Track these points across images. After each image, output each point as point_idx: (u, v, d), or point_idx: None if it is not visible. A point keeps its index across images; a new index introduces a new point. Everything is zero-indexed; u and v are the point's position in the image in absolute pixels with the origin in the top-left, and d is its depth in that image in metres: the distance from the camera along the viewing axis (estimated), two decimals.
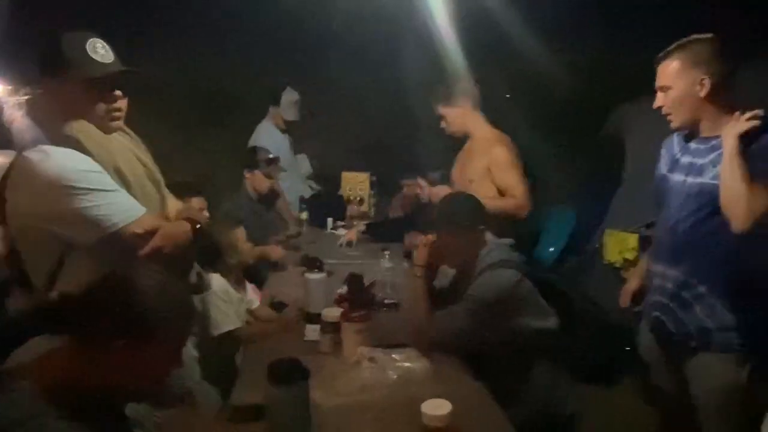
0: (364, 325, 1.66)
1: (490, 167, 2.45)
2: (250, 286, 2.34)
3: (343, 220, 4.04)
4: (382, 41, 4.11)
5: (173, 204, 1.49)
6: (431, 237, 1.92)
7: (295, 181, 4.10)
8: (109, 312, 0.83)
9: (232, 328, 1.93)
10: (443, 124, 2.68)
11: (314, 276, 2.00)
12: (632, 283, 2.01)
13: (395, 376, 1.49)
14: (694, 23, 1.75)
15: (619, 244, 3.17)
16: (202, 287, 1.64)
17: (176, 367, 0.96)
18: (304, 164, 4.49)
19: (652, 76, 1.80)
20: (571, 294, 1.84)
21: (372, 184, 4.35)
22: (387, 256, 2.54)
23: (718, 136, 1.61)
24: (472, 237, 1.86)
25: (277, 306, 2.22)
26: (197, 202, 2.42)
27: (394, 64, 4.32)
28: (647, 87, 1.88)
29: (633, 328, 1.93)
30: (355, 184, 4.35)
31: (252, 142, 3.77)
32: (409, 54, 4.19)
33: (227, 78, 4.51)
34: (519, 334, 1.70)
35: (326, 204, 4.19)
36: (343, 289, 2.12)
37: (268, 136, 3.80)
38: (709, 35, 1.67)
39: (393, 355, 1.57)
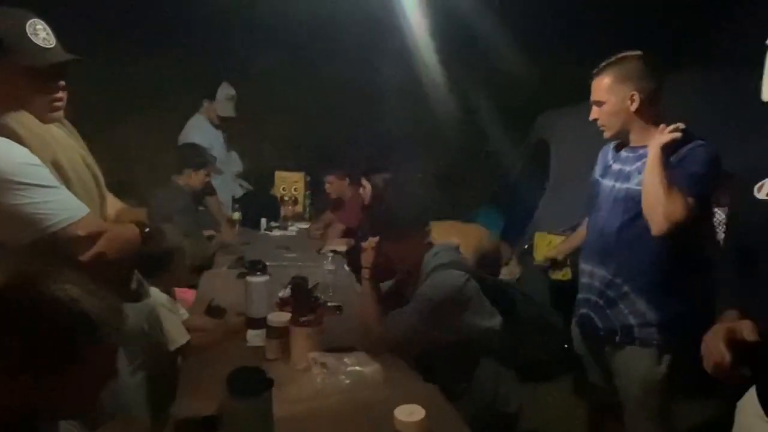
0: (315, 330, 1.62)
1: None
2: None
3: (277, 220, 3.95)
4: (322, 39, 4.05)
5: (113, 204, 1.38)
6: (376, 239, 1.92)
7: (227, 179, 3.96)
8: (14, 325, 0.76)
9: (186, 340, 1.79)
10: None
11: (257, 279, 1.92)
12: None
13: (348, 381, 1.47)
14: (630, 40, 1.86)
15: (547, 246, 3.30)
16: (141, 296, 1.52)
17: (106, 383, 0.89)
18: (236, 161, 4.33)
19: (577, 86, 1.91)
20: (517, 295, 1.90)
21: (307, 185, 4.29)
22: (330, 258, 2.51)
23: (645, 146, 1.73)
24: (418, 238, 1.88)
25: (215, 311, 2.12)
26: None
27: (334, 62, 4.28)
28: (572, 96, 1.99)
29: (568, 326, 2.04)
30: (290, 183, 4.26)
31: (184, 137, 3.59)
32: (349, 53, 4.17)
33: (155, 70, 4.25)
34: (466, 333, 1.74)
35: (258, 204, 4.09)
36: (285, 293, 2.07)
37: (202, 132, 3.64)
38: (637, 53, 1.78)
39: (344, 360, 1.55)
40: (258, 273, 1.99)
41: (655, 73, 1.76)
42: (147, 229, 1.27)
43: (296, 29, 4.11)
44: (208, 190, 3.30)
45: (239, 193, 4.10)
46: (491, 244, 3.41)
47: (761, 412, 1.15)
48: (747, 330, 1.11)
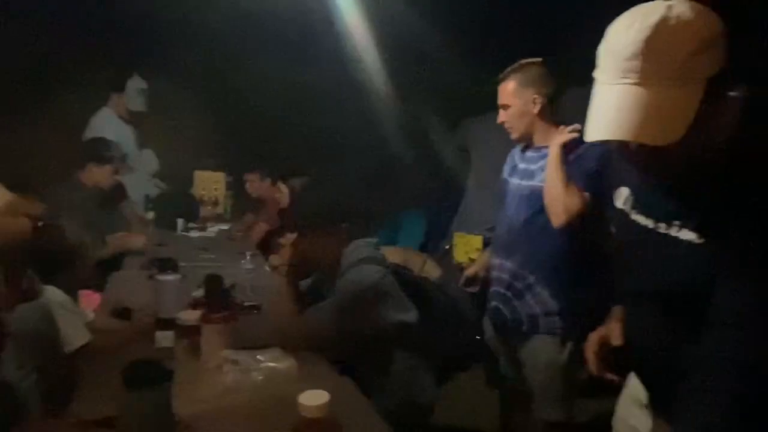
0: (226, 327, 1.59)
1: None
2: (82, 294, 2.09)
3: (195, 221, 3.82)
4: (248, 34, 3.94)
5: (1, 195, 1.28)
6: (293, 235, 1.91)
7: (140, 177, 3.78)
8: None
9: (86, 341, 1.65)
10: None
11: (167, 277, 1.86)
12: (471, 269, 2.23)
13: (260, 378, 1.45)
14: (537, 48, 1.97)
15: (465, 246, 3.41)
16: (33, 294, 1.41)
17: None
18: (151, 160, 4.14)
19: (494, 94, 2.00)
20: (432, 289, 1.95)
21: (228, 185, 4.18)
22: (248, 257, 2.47)
23: (547, 146, 1.85)
24: (335, 235, 1.89)
25: (122, 313, 2.02)
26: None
27: (261, 58, 4.18)
28: (492, 104, 2.09)
29: (480, 319, 2.12)
30: (210, 183, 4.14)
31: (90, 132, 3.38)
32: (277, 50, 4.09)
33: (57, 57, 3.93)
34: (383, 327, 1.76)
35: (177, 204, 3.93)
36: (199, 292, 2.01)
37: (110, 126, 3.45)
38: (537, 60, 1.91)
39: (258, 357, 1.52)
40: (168, 272, 1.92)
41: (554, 78, 1.89)
42: (40, 223, 1.18)
43: (220, 22, 3.97)
44: (118, 188, 3.13)
45: (154, 192, 3.92)
46: (394, 255, 3.42)
47: (640, 398, 1.21)
48: (615, 335, 1.20)
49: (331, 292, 1.78)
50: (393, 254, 3.32)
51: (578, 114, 1.87)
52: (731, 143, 0.90)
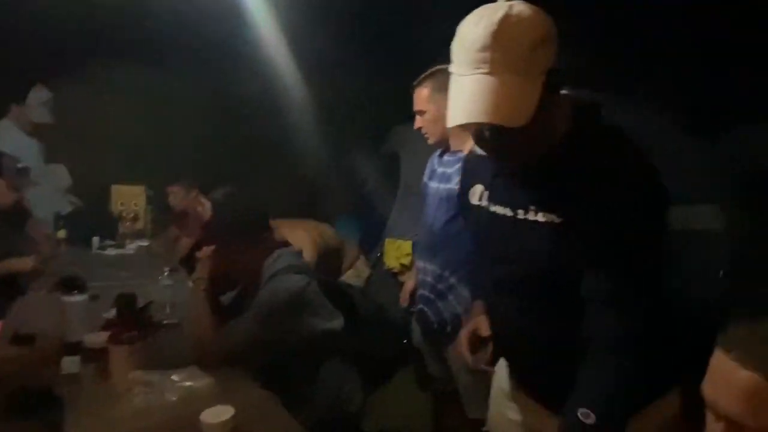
0: (137, 348, 1.50)
1: None
2: None
3: (113, 238, 3.62)
4: (167, 38, 3.77)
5: None
6: (210, 248, 1.83)
7: (48, 194, 3.53)
8: None
9: None
10: None
11: (73, 298, 1.74)
12: (408, 284, 2.23)
13: (174, 398, 1.38)
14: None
15: (396, 251, 3.44)
16: None
17: None
18: (62, 175, 3.89)
19: None
20: (355, 295, 1.94)
21: (149, 199, 3.99)
22: (166, 273, 2.35)
23: (462, 150, 1.89)
24: (255, 246, 1.83)
25: (24, 339, 1.86)
26: None
27: (182, 64, 4.01)
28: None
29: (408, 322, 2.13)
30: (129, 198, 3.93)
31: None
32: (199, 54, 3.94)
33: None
34: (308, 336, 1.72)
35: (91, 221, 3.71)
36: (111, 313, 1.89)
37: (10, 139, 3.20)
38: (447, 66, 1.95)
39: (172, 377, 1.45)
40: (74, 292, 1.80)
41: None
42: None
43: (138, 29, 3.78)
44: (22, 206, 2.90)
45: (66, 209, 3.68)
46: (333, 240, 3.44)
47: (504, 386, 1.30)
48: (483, 328, 1.28)
49: (252, 303, 1.72)
50: (331, 239, 3.29)
51: None
52: (571, 133, 1.03)
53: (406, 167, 4.49)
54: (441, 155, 2.02)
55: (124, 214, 3.89)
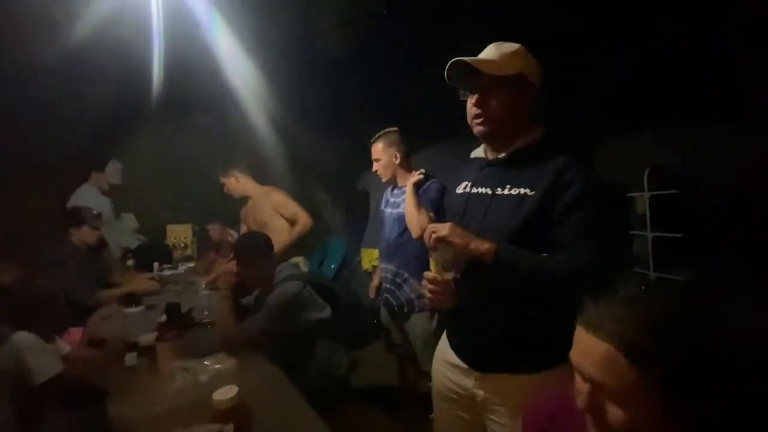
0: (177, 343, 1.40)
1: (275, 208, 2.40)
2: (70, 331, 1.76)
3: (169, 263, 3.46)
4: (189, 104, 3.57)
5: None
6: (230, 265, 1.74)
7: (121, 235, 3.37)
8: None
9: (55, 373, 1.38)
10: (225, 190, 2.55)
11: (132, 310, 1.63)
12: (374, 282, 2.18)
13: (206, 378, 1.28)
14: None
15: (369, 257, 3.39)
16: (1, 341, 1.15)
17: None
18: (131, 220, 3.73)
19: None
20: (339, 291, 1.87)
21: (195, 233, 3.84)
22: (204, 285, 2.23)
23: (405, 186, 1.87)
24: (266, 264, 1.75)
25: (97, 343, 1.72)
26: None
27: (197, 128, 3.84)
28: None
29: (378, 307, 2.07)
30: (179, 233, 3.78)
31: (72, 202, 2.97)
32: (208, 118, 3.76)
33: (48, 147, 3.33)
34: (305, 325, 1.65)
35: (153, 251, 3.54)
36: (163, 318, 1.78)
37: (90, 197, 3.05)
38: (395, 128, 1.94)
39: (205, 362, 1.35)
40: (132, 305, 1.68)
41: (407, 141, 1.92)
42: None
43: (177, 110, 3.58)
44: (103, 242, 2.74)
45: (135, 245, 3.51)
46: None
47: (444, 349, 1.17)
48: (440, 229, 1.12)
49: (263, 305, 1.63)
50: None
51: (424, 164, 1.94)
52: (536, 144, 1.04)
53: (373, 199, 4.48)
54: (392, 190, 1.99)
55: (176, 245, 3.73)
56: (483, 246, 0.94)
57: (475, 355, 1.08)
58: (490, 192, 1.05)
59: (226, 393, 0.76)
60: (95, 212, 2.59)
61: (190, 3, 2.45)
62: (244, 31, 2.94)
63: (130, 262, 3.12)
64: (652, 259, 4.05)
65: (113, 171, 3.26)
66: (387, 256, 1.90)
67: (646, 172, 4.12)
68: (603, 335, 0.59)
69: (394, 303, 1.87)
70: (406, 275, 1.82)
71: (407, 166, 1.91)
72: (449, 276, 1.02)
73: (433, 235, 0.98)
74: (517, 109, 1.03)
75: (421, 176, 1.77)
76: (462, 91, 1.06)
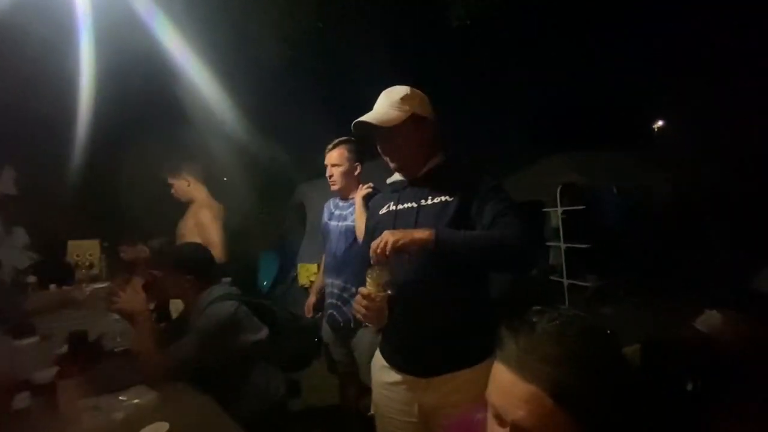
0: (85, 377, 1.20)
1: (196, 226, 2.23)
2: None
3: (70, 284, 2.99)
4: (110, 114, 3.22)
5: None
6: (140, 282, 1.56)
7: (10, 253, 2.85)
8: None
9: None
10: (173, 192, 2.33)
11: (23, 342, 1.37)
12: (311, 299, 2.12)
13: (121, 416, 1.12)
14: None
15: (306, 272, 3.30)
16: None
17: None
18: (21, 235, 3.17)
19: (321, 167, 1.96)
20: (276, 309, 1.78)
21: (103, 249, 3.38)
22: None
23: (353, 198, 1.86)
24: (184, 282, 1.60)
25: None
26: None
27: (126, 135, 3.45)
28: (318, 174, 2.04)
29: (318, 325, 2.01)
30: (84, 250, 3.30)
31: None
32: (140, 125, 3.44)
33: None
34: (240, 349, 1.53)
35: (51, 271, 3.04)
36: (63, 349, 1.52)
37: None
38: (354, 139, 1.93)
39: (120, 397, 1.18)
40: (24, 335, 1.42)
41: (363, 153, 1.92)
42: None
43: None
44: None
45: (25, 264, 2.98)
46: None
47: (382, 361, 1.21)
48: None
49: (192, 328, 1.48)
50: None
51: (366, 178, 1.96)
52: (442, 164, 1.20)
53: (310, 212, 4.38)
54: (337, 202, 1.96)
55: (80, 263, 3.25)
56: (424, 233, 1.01)
57: (420, 363, 1.11)
58: (415, 205, 1.16)
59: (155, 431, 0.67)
60: None
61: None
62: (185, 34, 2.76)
63: (31, 278, 2.65)
64: (565, 267, 4.52)
65: (6, 180, 2.78)
66: (334, 270, 1.85)
67: (559, 189, 4.64)
68: (527, 376, 0.54)
69: (341, 319, 1.83)
70: (354, 290, 1.79)
71: (359, 178, 1.90)
72: (384, 294, 1.05)
73: (382, 246, 1.02)
74: (419, 142, 1.17)
75: (370, 189, 1.77)
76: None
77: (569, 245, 4.53)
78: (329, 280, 1.89)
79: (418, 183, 1.20)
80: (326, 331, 1.96)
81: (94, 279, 3.16)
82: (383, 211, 1.25)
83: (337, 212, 1.94)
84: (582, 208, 4.46)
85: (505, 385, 0.55)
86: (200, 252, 1.66)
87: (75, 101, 2.86)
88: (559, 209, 4.66)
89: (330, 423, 2.09)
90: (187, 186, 2.32)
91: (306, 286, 3.22)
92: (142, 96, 2.94)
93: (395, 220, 1.18)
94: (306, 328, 1.87)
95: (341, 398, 2.07)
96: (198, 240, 2.12)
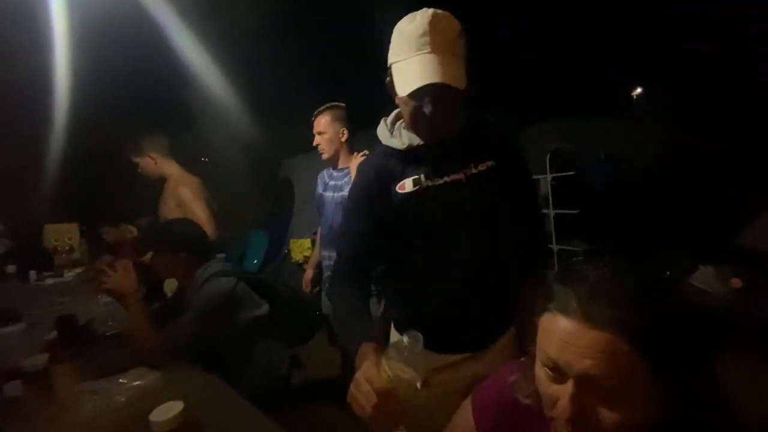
0: (78, 362, 1.14)
1: (179, 205, 2.12)
2: None
3: (51, 270, 2.86)
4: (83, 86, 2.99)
5: None
6: (125, 262, 1.47)
7: None
8: None
9: None
10: (140, 171, 2.20)
11: (9, 329, 1.29)
12: (308, 273, 2.07)
13: (123, 399, 1.07)
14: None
15: (299, 248, 3.24)
16: None
17: None
18: None
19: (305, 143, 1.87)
20: (276, 284, 1.73)
21: (82, 233, 3.23)
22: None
23: (347, 167, 1.79)
24: (177, 260, 1.52)
25: None
26: None
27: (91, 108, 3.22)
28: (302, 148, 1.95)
29: (317, 298, 1.98)
30: (62, 234, 3.14)
31: None
32: (109, 101, 3.21)
33: None
34: (240, 326, 1.49)
35: (28, 258, 2.89)
36: (51, 335, 1.45)
37: None
38: (343, 104, 1.85)
39: (120, 380, 1.13)
40: (9, 323, 1.34)
41: (355, 119, 1.84)
42: None
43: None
44: None
45: (0, 251, 2.83)
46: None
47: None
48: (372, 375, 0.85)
49: (190, 306, 1.42)
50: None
51: (365, 147, 1.88)
52: (468, 122, 1.01)
53: (299, 188, 4.28)
54: (331, 172, 1.89)
55: (59, 248, 3.10)
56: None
57: (480, 336, 1.02)
58: (461, 176, 0.95)
59: (166, 412, 0.63)
60: None
61: None
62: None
63: (10, 268, 2.51)
64: (555, 233, 4.60)
65: None
66: (330, 242, 1.80)
67: (548, 156, 4.65)
68: (595, 322, 0.50)
69: None
70: None
71: (350, 146, 1.82)
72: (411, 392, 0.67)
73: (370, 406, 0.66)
74: (460, 100, 0.94)
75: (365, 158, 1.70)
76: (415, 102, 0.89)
77: (558, 211, 4.59)
78: (326, 253, 1.85)
79: (445, 147, 0.96)
80: (326, 303, 1.93)
81: (76, 264, 3.04)
82: (408, 189, 0.96)
83: (331, 182, 1.88)
84: (571, 174, 4.49)
85: (568, 336, 0.51)
86: (192, 228, 1.58)
87: (46, 77, 2.62)
88: (549, 176, 4.68)
89: (336, 393, 2.10)
90: (154, 164, 2.18)
91: (300, 261, 3.17)
92: (119, 64, 2.72)
93: (435, 201, 0.94)
94: (306, 302, 1.83)
95: (344, 370, 2.07)
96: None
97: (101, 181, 2.92)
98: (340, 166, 1.85)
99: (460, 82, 0.85)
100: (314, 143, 1.82)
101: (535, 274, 0.96)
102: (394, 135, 1.01)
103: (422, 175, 0.96)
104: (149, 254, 1.56)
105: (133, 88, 2.95)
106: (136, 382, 1.14)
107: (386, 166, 1.00)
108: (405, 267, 1.03)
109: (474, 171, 0.97)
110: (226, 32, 2.85)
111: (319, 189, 1.93)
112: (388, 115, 1.05)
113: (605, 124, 5.04)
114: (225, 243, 2.23)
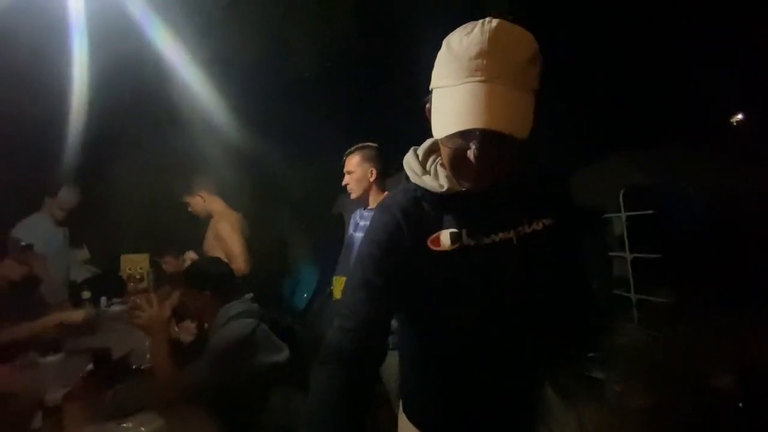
0: (91, 401, 1.16)
1: (216, 240, 2.21)
2: None
3: (120, 297, 3.15)
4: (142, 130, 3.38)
5: None
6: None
7: (70, 266, 3.08)
8: None
9: None
10: (190, 210, 2.37)
11: (49, 359, 1.37)
12: None
13: None
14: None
15: (340, 285, 3.18)
16: None
17: None
18: (82, 251, 3.44)
19: None
20: (298, 329, 1.67)
21: (151, 262, 3.55)
22: None
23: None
24: (213, 294, 1.54)
25: (3, 400, 1.44)
26: None
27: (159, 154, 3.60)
28: None
29: None
30: (135, 263, 3.47)
31: (15, 233, 2.69)
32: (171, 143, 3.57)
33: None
34: (257, 372, 1.43)
35: (105, 284, 3.23)
36: (89, 367, 1.52)
37: (36, 227, 2.78)
38: (374, 144, 1.84)
39: (123, 425, 1.11)
40: (51, 353, 1.43)
41: (384, 159, 1.81)
42: None
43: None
44: (34, 277, 2.43)
45: (83, 276, 3.21)
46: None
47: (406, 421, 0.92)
48: None
49: (206, 348, 1.41)
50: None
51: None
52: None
53: (347, 223, 4.32)
54: (362, 212, 1.84)
55: (132, 276, 3.43)
56: None
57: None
58: (512, 235, 0.74)
59: None
60: (23, 243, 2.30)
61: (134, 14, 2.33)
62: (210, 48, 2.85)
63: (86, 294, 2.81)
64: (632, 281, 4.01)
65: (67, 197, 3.01)
66: None
67: (622, 192, 4.15)
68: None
69: None
70: None
71: (381, 186, 1.77)
72: None
73: None
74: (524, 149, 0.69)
75: None
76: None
77: (637, 255, 4.02)
78: None
79: (496, 195, 0.73)
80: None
81: (143, 292, 3.32)
82: (445, 245, 0.73)
83: (362, 223, 1.82)
84: (649, 213, 3.95)
85: None
86: (216, 266, 1.60)
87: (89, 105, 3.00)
88: (623, 215, 4.17)
89: None
90: (203, 201, 2.33)
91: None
92: (161, 105, 3.06)
93: (478, 267, 0.74)
94: None
95: (371, 424, 1.90)
96: (220, 253, 2.10)
97: (162, 213, 3.19)
98: (370, 206, 1.79)
99: (520, 128, 0.61)
100: (343, 183, 1.81)
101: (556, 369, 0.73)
102: (428, 171, 0.78)
103: (464, 231, 0.74)
104: (175, 293, 1.60)
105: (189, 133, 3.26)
106: (140, 429, 1.11)
107: (416, 209, 0.77)
108: (423, 347, 0.84)
109: (527, 230, 0.75)
110: (281, 75, 3.07)
111: (351, 229, 1.88)
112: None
113: (690, 153, 4.42)
114: (265, 277, 2.26)
